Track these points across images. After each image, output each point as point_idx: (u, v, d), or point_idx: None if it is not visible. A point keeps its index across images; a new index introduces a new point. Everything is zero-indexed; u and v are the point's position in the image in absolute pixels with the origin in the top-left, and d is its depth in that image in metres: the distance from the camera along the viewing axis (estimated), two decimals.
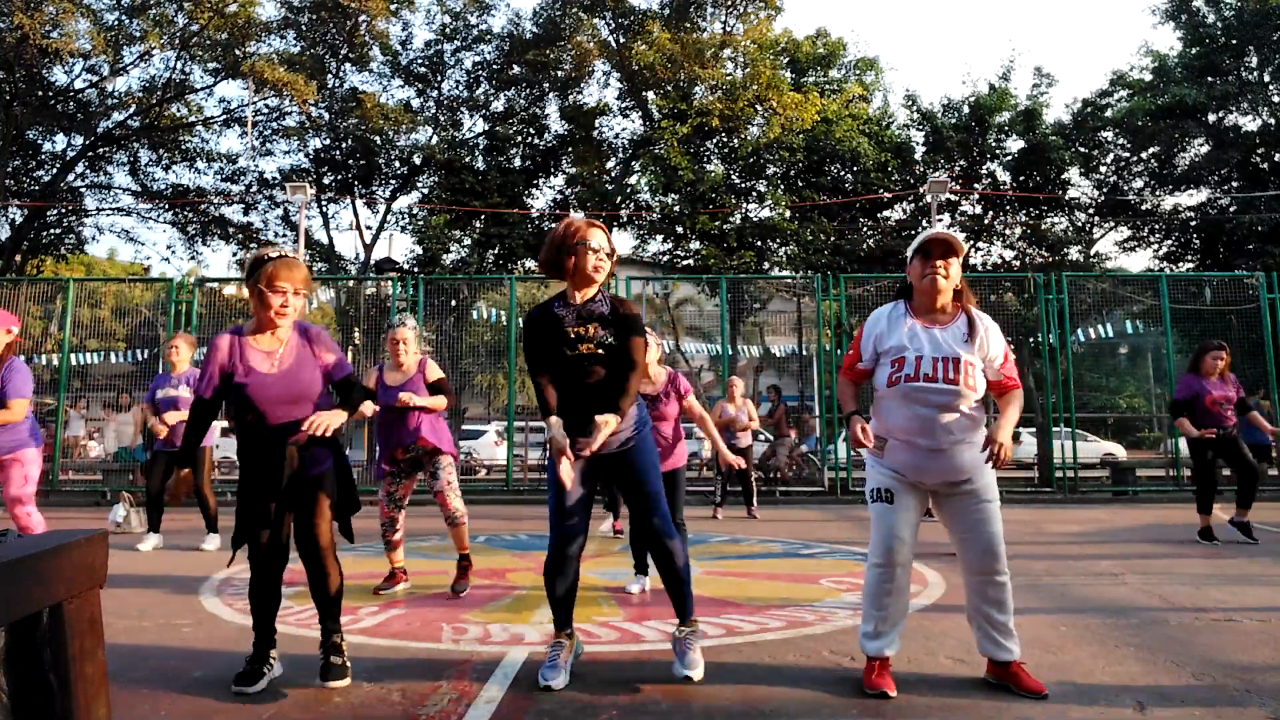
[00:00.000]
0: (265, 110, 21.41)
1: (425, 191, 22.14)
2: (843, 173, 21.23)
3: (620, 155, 22.76)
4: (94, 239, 44.10)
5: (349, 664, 3.00)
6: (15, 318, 4.66)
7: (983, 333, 2.83)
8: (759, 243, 19.90)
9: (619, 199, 21.59)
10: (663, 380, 4.69)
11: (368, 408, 3.21)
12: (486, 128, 22.58)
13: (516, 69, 21.79)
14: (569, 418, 2.94)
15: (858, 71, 22.90)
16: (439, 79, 22.26)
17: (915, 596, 4.42)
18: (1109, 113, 21.74)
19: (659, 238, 22.55)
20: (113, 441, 12.78)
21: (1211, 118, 21.05)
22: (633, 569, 4.77)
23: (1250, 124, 21.23)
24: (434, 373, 4.77)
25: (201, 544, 6.38)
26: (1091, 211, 22.63)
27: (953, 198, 21.17)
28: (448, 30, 21.81)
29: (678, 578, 3.02)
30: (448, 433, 4.88)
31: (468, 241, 20.96)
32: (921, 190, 17.60)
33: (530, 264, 22.55)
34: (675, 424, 4.75)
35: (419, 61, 22.17)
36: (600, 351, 2.97)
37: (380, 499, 4.78)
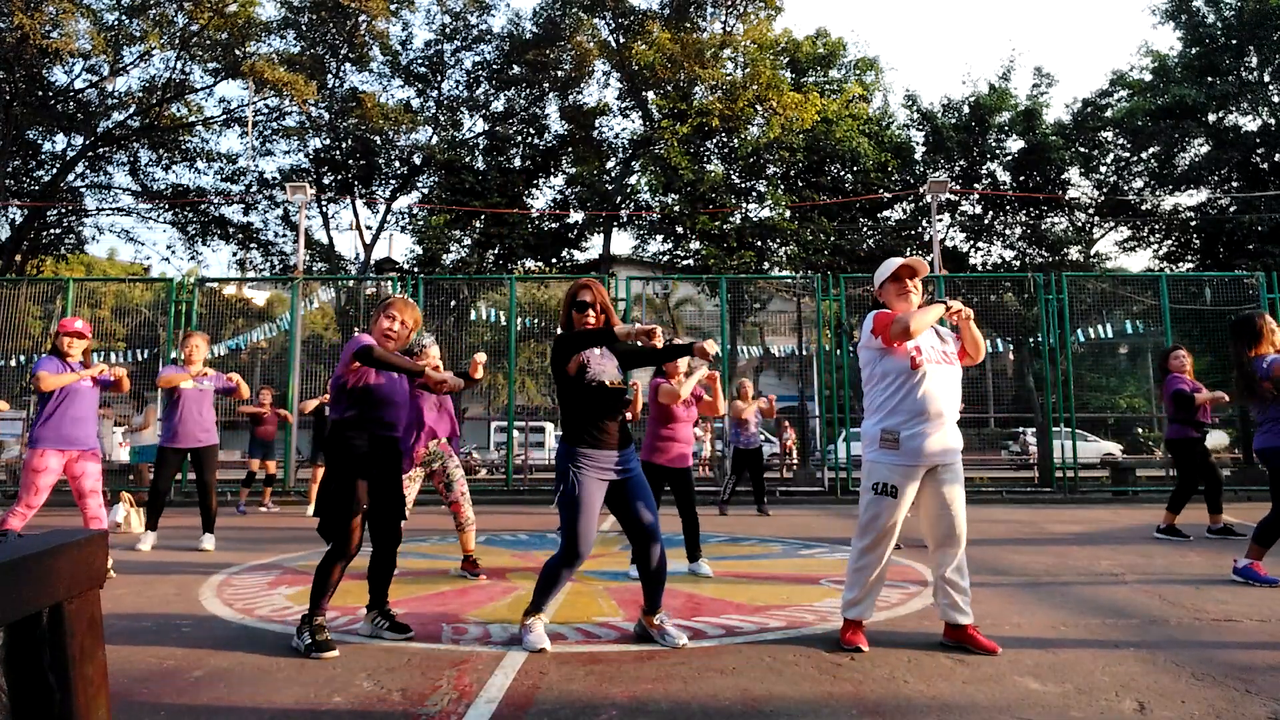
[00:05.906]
0: (265, 110, 21.36)
1: (425, 191, 22.07)
2: (843, 173, 21.17)
3: (620, 155, 22.68)
4: (94, 239, 44.09)
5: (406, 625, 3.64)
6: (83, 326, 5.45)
7: (947, 329, 3.63)
8: (759, 243, 19.84)
9: (619, 199, 21.56)
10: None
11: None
12: (486, 128, 22.51)
13: (516, 69, 21.71)
14: (598, 436, 3.44)
15: (858, 71, 22.82)
16: (439, 79, 22.20)
17: (915, 596, 4.43)
18: (1109, 113, 21.67)
19: (659, 238, 22.52)
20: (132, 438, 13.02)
21: (1211, 118, 21.00)
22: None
23: (1250, 124, 21.17)
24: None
25: (200, 544, 6.38)
26: (1091, 211, 22.59)
27: (953, 198, 21.14)
28: (448, 30, 21.74)
29: (657, 582, 3.56)
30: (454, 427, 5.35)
31: (468, 241, 20.90)
32: (921, 190, 17.58)
33: (530, 264, 22.54)
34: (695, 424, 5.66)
35: (419, 61, 22.11)
36: (624, 387, 3.56)
37: None
